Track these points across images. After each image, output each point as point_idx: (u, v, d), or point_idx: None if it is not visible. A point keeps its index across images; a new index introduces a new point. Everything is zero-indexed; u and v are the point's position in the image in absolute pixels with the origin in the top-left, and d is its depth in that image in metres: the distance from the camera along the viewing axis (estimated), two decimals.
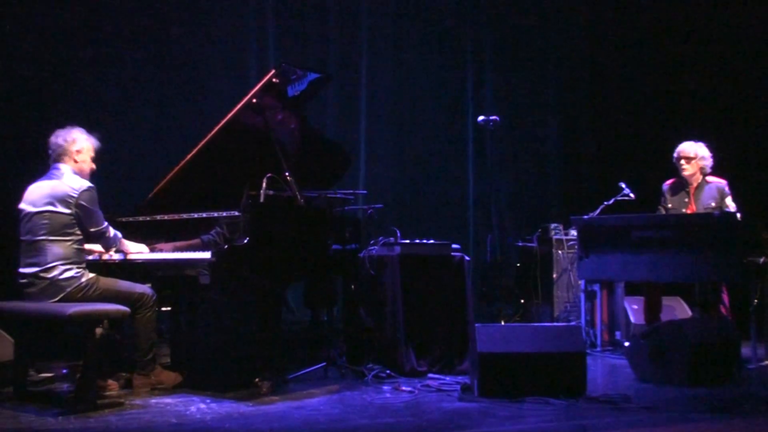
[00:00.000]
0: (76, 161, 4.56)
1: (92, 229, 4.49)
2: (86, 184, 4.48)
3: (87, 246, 4.63)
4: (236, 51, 7.34)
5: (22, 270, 4.43)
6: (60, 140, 4.55)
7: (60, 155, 4.54)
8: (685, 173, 6.10)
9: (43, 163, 4.65)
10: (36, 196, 4.46)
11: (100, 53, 6.66)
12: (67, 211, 4.40)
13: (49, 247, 4.37)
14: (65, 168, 4.52)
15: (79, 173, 4.55)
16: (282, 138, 5.04)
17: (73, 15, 6.53)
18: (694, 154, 6.07)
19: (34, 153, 6.14)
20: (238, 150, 5.02)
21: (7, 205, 5.97)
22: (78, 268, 4.42)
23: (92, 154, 4.65)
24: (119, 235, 4.67)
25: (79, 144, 4.57)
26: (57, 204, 4.39)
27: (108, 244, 4.66)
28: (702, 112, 7.85)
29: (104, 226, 4.56)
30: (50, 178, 4.49)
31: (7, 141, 6.19)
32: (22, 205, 4.49)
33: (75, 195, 4.40)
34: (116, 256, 4.76)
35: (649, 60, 8.30)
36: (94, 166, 4.67)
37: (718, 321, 5.52)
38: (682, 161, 6.10)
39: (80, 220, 4.45)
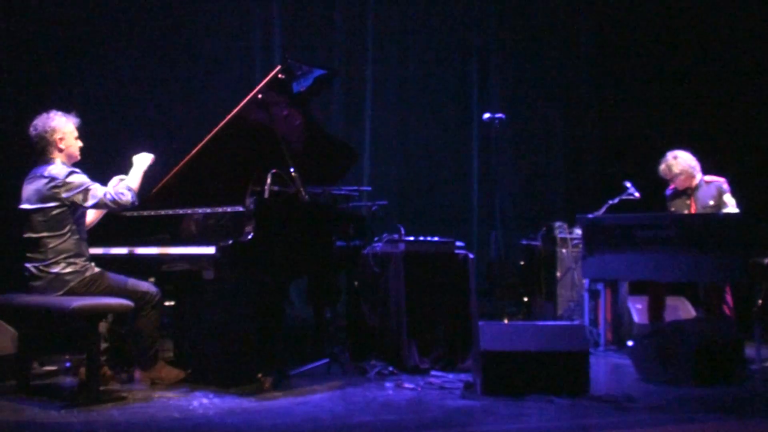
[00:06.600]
0: (61, 150, 4.45)
1: (90, 203, 4.38)
2: (66, 169, 4.37)
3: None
4: (242, 47, 7.34)
5: (27, 265, 4.42)
6: (40, 132, 4.42)
7: (44, 148, 4.42)
8: (676, 186, 6.10)
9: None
10: (30, 192, 4.40)
11: (105, 47, 6.65)
12: (57, 204, 4.34)
13: (50, 242, 4.35)
14: (52, 163, 4.42)
15: (69, 159, 4.48)
16: (287, 134, 5.05)
17: (76, 7, 6.53)
18: (669, 173, 6.05)
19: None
20: (243, 146, 5.01)
21: (11, 198, 6.05)
22: (82, 261, 4.40)
23: (75, 134, 4.51)
24: (112, 188, 4.48)
25: (59, 132, 4.44)
26: (48, 201, 4.34)
27: (116, 200, 4.42)
28: (708, 112, 7.81)
29: (99, 195, 4.37)
30: (40, 174, 4.39)
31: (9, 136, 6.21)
32: (23, 205, 4.44)
33: (59, 185, 4.33)
34: (122, 250, 4.72)
35: (656, 58, 8.27)
36: (80, 143, 4.54)
37: (722, 321, 5.51)
38: (668, 180, 6.11)
39: (77, 205, 4.38)
